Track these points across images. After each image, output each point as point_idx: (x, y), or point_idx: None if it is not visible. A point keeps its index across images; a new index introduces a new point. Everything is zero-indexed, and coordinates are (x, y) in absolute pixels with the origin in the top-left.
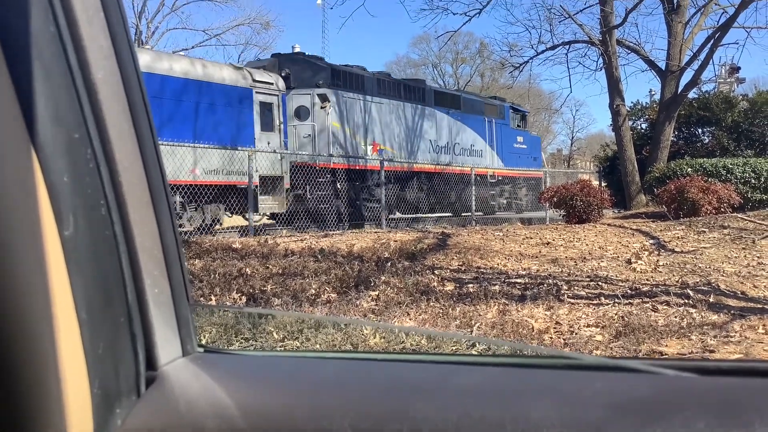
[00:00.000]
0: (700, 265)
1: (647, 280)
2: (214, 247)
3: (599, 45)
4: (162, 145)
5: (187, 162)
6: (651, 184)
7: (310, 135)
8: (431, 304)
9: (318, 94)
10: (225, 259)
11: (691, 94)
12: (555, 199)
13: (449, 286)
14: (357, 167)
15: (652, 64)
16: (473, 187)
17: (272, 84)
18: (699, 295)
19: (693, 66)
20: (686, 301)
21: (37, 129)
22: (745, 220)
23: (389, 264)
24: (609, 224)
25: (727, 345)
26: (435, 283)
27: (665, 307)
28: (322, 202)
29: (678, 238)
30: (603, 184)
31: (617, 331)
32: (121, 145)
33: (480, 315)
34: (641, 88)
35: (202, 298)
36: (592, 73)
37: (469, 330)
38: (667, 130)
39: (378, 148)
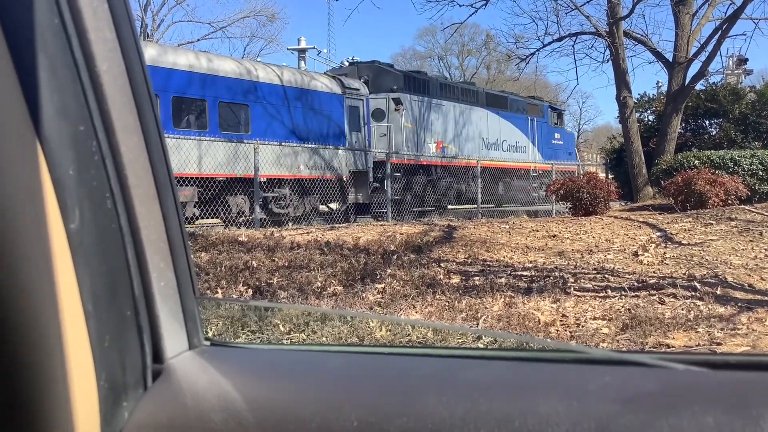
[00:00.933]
0: (707, 257)
1: (654, 272)
2: (220, 240)
3: (606, 36)
4: (284, 145)
5: (294, 160)
6: (658, 176)
7: (385, 134)
8: (437, 296)
9: (392, 98)
10: (231, 252)
11: (699, 86)
12: (562, 191)
13: (455, 279)
14: (422, 162)
15: (659, 56)
16: (515, 180)
17: (359, 90)
18: (706, 288)
19: (700, 57)
20: (693, 293)
21: (42, 122)
22: (753, 212)
23: (395, 257)
24: (616, 217)
25: (734, 338)
26: (441, 276)
27: (672, 299)
28: (396, 193)
29: (685, 230)
30: (610, 176)
31: (624, 323)
32: (127, 138)
33: (486, 308)
34: (648, 79)
35: (208, 291)
36: (599, 64)
37: (475, 323)
38: (674, 122)
39: (441, 145)
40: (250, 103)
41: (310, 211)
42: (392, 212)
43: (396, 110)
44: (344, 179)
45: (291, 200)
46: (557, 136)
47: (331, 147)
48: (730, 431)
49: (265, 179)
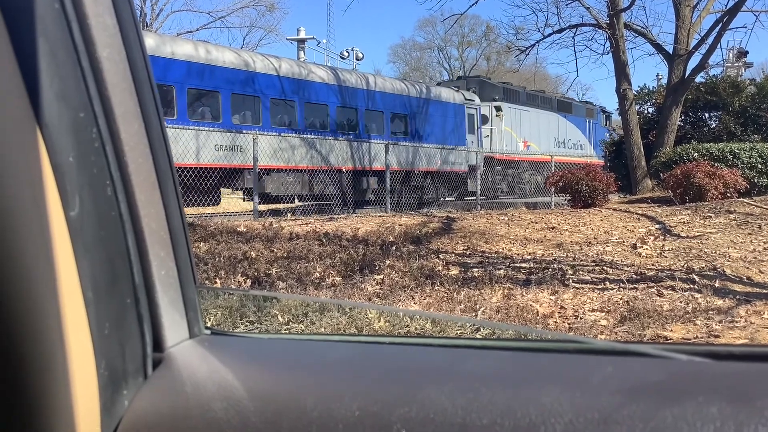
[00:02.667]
0: (705, 250)
1: (652, 264)
2: (219, 230)
3: (606, 28)
4: (429, 147)
5: (434, 156)
6: (657, 168)
7: (489, 136)
8: (436, 288)
9: (495, 106)
10: (230, 242)
11: (699, 79)
12: (561, 183)
13: (454, 271)
14: (514, 158)
15: (659, 48)
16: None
17: (474, 101)
18: (704, 280)
19: (701, 50)
20: (691, 286)
21: (43, 108)
22: (752, 205)
23: (394, 248)
24: (614, 209)
25: (732, 330)
26: (440, 267)
27: (670, 291)
28: (495, 183)
29: (684, 223)
30: (608, 167)
31: (622, 315)
32: (127, 125)
33: (485, 299)
34: (648, 72)
35: (207, 281)
36: (599, 56)
37: (474, 314)
38: (673, 115)
39: (527, 144)
40: (409, 113)
41: (438, 197)
42: (480, 200)
43: (497, 116)
44: (466, 172)
45: (430, 189)
46: (607, 135)
47: (461, 148)
48: (734, 422)
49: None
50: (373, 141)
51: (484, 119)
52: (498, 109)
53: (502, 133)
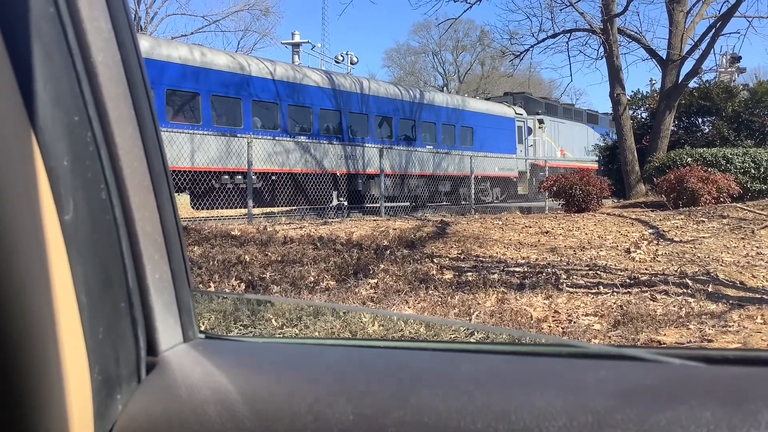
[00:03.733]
0: (699, 254)
1: (646, 269)
2: (212, 234)
3: (600, 33)
4: (490, 157)
5: (490, 163)
6: (651, 173)
7: (533, 145)
8: (430, 292)
9: (538, 119)
10: (224, 246)
11: (692, 84)
12: (554, 188)
13: (448, 275)
14: (552, 165)
15: (653, 53)
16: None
17: (522, 114)
18: (698, 285)
19: (694, 55)
20: (685, 290)
21: (37, 111)
22: (745, 209)
23: (388, 252)
24: (608, 213)
25: (725, 335)
26: (434, 272)
27: (664, 296)
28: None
29: (677, 227)
30: (602, 172)
31: (616, 320)
32: (122, 129)
33: (479, 303)
34: (642, 77)
35: (201, 285)
36: (592, 61)
37: (468, 318)
38: (667, 120)
39: (563, 152)
40: (474, 126)
41: (495, 198)
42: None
43: (540, 128)
44: (516, 177)
45: (489, 191)
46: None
47: (514, 156)
48: (728, 426)
49: (480, 176)
50: (465, 153)
51: (529, 131)
52: (541, 121)
53: (543, 143)
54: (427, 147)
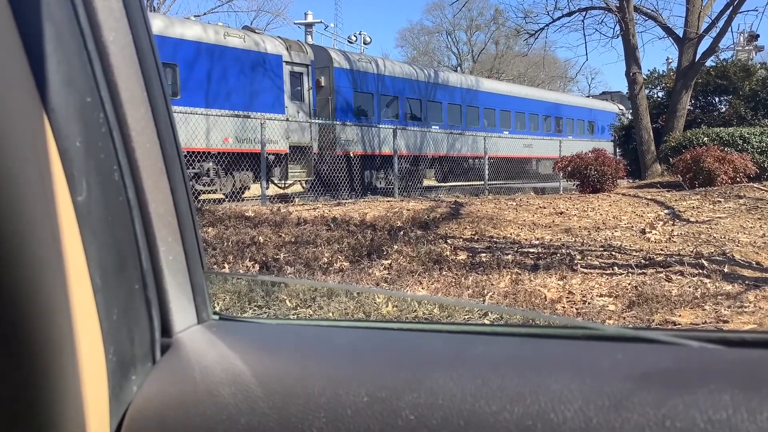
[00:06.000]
0: (714, 235)
1: (661, 250)
2: (227, 215)
3: (616, 12)
4: (603, 141)
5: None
6: (666, 153)
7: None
8: (444, 273)
9: (623, 112)
10: (238, 227)
11: (709, 62)
12: (569, 168)
13: (462, 256)
14: None
15: (669, 32)
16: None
17: (622, 109)
18: (713, 266)
19: (711, 33)
20: (700, 271)
21: (49, 92)
22: (762, 189)
23: (402, 233)
24: (623, 194)
25: (741, 315)
26: (447, 252)
27: (679, 277)
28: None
29: (693, 207)
30: (618, 152)
31: (630, 300)
32: (134, 110)
33: (492, 284)
34: (658, 55)
35: (215, 266)
36: (608, 40)
37: (481, 299)
38: (683, 99)
39: None
40: (595, 120)
41: None
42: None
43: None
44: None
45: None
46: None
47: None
48: (747, 409)
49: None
50: (581, 139)
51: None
52: (623, 113)
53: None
54: (569, 137)
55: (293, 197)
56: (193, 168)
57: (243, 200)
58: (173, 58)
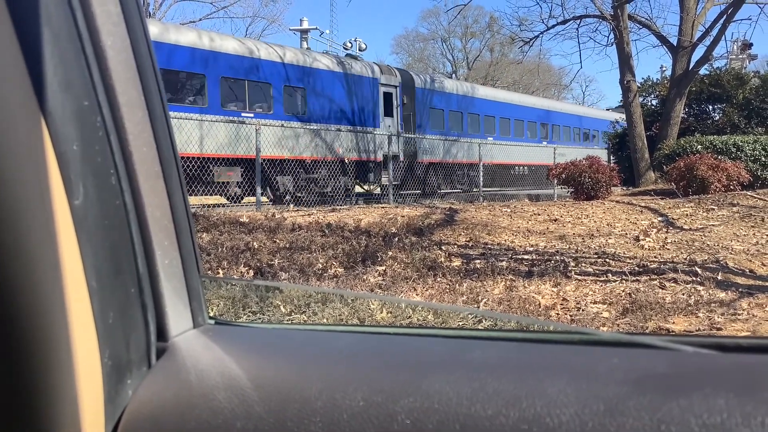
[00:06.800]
0: (708, 242)
1: (655, 257)
2: (221, 220)
3: (610, 20)
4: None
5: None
6: (660, 161)
7: None
8: (438, 279)
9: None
10: (233, 233)
11: (703, 71)
12: (563, 175)
13: (456, 262)
14: None
15: (663, 40)
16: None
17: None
18: (707, 273)
19: (705, 42)
20: (694, 278)
21: (47, 96)
22: (755, 197)
23: (396, 239)
24: (617, 201)
25: (734, 323)
26: (442, 259)
27: (673, 284)
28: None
29: (687, 215)
30: (612, 160)
31: (624, 307)
32: (131, 114)
33: (487, 291)
34: (652, 64)
35: (210, 271)
36: (602, 48)
37: (476, 305)
38: (677, 107)
39: None
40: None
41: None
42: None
43: None
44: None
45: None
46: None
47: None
48: (742, 414)
49: None
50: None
51: None
52: None
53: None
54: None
55: (381, 197)
56: (314, 173)
57: (351, 196)
58: (305, 83)
